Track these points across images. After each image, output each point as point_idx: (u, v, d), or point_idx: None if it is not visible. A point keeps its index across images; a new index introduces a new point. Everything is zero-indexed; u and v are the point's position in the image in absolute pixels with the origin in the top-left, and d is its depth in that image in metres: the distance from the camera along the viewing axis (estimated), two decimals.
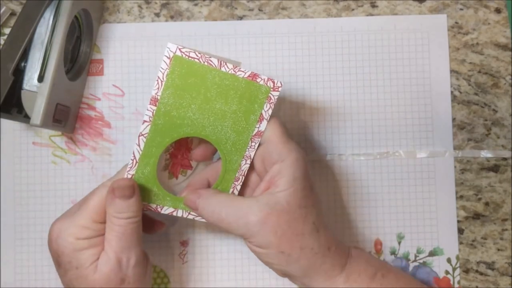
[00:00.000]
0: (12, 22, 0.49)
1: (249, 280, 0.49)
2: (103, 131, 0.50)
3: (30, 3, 0.43)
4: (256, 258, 0.49)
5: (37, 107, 0.41)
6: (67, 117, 0.46)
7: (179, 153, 0.43)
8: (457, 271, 0.49)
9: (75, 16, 0.46)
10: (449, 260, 0.49)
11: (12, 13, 0.50)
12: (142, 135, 0.39)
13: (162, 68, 0.38)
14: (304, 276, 0.40)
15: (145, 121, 0.39)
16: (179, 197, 0.42)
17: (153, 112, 0.38)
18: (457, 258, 0.49)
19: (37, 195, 0.49)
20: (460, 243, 0.49)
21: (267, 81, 0.39)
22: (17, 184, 0.49)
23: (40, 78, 0.42)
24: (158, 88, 0.38)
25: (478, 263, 0.49)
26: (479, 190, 0.50)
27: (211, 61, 0.38)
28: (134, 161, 0.40)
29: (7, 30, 0.49)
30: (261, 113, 0.40)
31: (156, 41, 0.50)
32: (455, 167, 0.50)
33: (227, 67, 0.38)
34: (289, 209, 0.38)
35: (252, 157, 0.41)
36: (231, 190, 0.42)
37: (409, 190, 0.50)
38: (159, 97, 0.38)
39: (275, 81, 0.39)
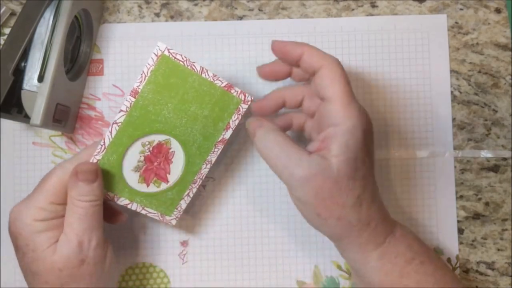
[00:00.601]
0: (12, 22, 0.49)
1: (249, 280, 0.49)
2: (103, 131, 0.49)
3: (30, 3, 0.43)
4: (255, 258, 0.49)
5: (37, 107, 0.41)
6: (67, 117, 0.46)
7: (156, 160, 0.43)
8: (457, 271, 0.49)
9: (75, 16, 0.45)
10: (449, 260, 0.49)
11: (12, 13, 0.49)
12: (116, 123, 0.41)
13: (148, 64, 0.40)
14: (336, 241, 0.40)
15: (121, 110, 0.40)
16: (138, 191, 0.43)
17: (131, 103, 0.40)
18: (457, 258, 0.49)
19: None
20: (460, 243, 0.49)
21: (239, 94, 0.42)
22: (17, 184, 0.49)
23: (40, 78, 0.42)
24: (141, 81, 0.40)
25: (478, 263, 0.49)
26: (479, 190, 0.50)
27: (194, 66, 0.41)
28: (103, 147, 0.41)
29: (7, 30, 0.49)
30: (229, 122, 0.43)
31: (156, 41, 0.49)
32: (455, 167, 0.49)
33: (207, 74, 0.41)
34: (337, 177, 0.36)
35: (212, 162, 0.44)
36: (187, 191, 0.44)
37: (409, 190, 0.49)
38: (139, 90, 0.40)
39: (246, 95, 0.42)
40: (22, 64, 0.43)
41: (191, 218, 0.49)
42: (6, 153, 0.49)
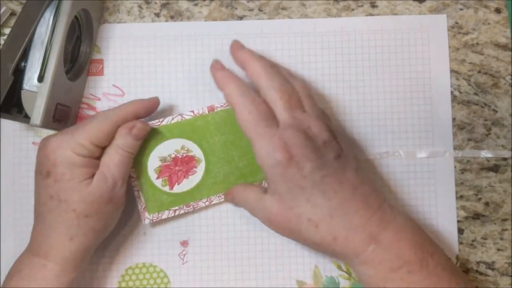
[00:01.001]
0: (12, 22, 0.49)
1: (249, 280, 0.48)
2: None
3: (30, 3, 0.43)
4: (255, 258, 0.49)
5: (37, 107, 0.41)
6: (67, 117, 0.45)
7: (179, 166, 0.47)
8: None
9: (75, 16, 0.45)
10: None
11: (12, 13, 0.49)
12: (182, 115, 0.47)
13: None
14: (328, 255, 0.45)
15: (192, 111, 0.47)
16: (149, 176, 0.46)
17: (201, 113, 0.47)
18: (457, 258, 0.49)
19: None
20: (460, 243, 0.49)
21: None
22: (17, 184, 0.49)
23: (40, 78, 0.42)
24: (222, 106, 0.47)
25: (478, 263, 0.49)
26: (479, 190, 0.49)
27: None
28: (158, 123, 0.46)
29: (7, 30, 0.48)
30: None
31: (156, 41, 0.50)
32: (455, 167, 0.49)
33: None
34: (280, 212, 0.40)
35: (211, 203, 0.48)
36: (177, 207, 0.47)
37: (409, 190, 0.49)
38: (215, 110, 0.47)
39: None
40: (22, 64, 0.43)
41: (191, 218, 0.49)
42: (6, 153, 0.49)
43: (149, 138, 0.45)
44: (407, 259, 0.39)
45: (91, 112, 0.49)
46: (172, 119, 0.46)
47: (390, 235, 0.39)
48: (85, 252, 0.42)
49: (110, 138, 0.42)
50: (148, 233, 0.48)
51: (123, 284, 0.48)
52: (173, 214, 0.47)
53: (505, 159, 0.49)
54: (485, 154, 0.49)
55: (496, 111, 0.50)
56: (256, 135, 0.40)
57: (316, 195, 0.39)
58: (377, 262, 0.39)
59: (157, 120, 0.46)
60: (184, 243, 0.48)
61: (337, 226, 0.39)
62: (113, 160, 0.42)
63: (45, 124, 0.41)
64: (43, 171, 0.41)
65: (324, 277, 0.48)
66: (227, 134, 0.47)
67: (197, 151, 0.47)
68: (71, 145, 0.40)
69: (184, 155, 0.46)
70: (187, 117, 0.46)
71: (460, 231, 0.49)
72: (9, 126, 0.49)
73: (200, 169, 0.47)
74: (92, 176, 0.41)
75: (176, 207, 0.47)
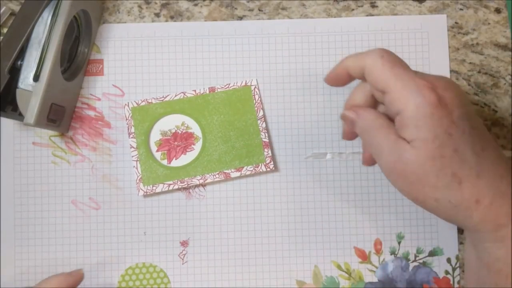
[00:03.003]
0: None
1: (249, 280, 0.44)
2: (103, 131, 0.45)
3: (28, 3, 0.40)
4: (255, 258, 0.45)
5: (31, 107, 0.37)
6: (61, 117, 0.41)
7: (178, 142, 0.45)
8: (457, 271, 0.45)
9: (74, 16, 0.41)
10: (449, 260, 0.45)
11: (12, 13, 0.45)
12: (184, 93, 0.45)
13: (236, 83, 0.45)
14: (452, 223, 0.33)
15: (194, 90, 0.45)
16: (149, 147, 0.45)
17: (202, 92, 0.45)
18: (457, 258, 0.45)
19: (37, 195, 0.45)
20: (460, 243, 0.45)
21: (267, 156, 0.44)
22: (17, 184, 0.45)
23: (36, 78, 0.38)
24: (222, 88, 0.45)
25: None
26: None
27: (260, 109, 0.45)
28: (166, 98, 0.45)
29: (6, 30, 0.44)
30: (243, 167, 0.44)
31: (156, 41, 0.45)
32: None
33: (262, 123, 0.45)
34: (416, 160, 0.31)
35: (205, 181, 0.44)
36: (172, 182, 0.44)
37: None
38: (216, 91, 0.45)
39: (271, 164, 0.44)
40: (19, 62, 0.39)
41: (191, 218, 0.45)
42: (6, 153, 0.45)
43: (152, 112, 0.44)
44: None
45: (91, 112, 0.45)
46: (175, 95, 0.45)
47: None
48: None
49: None
50: (148, 233, 0.44)
51: (123, 284, 0.44)
52: (167, 188, 0.44)
53: None
54: None
55: (496, 111, 0.45)
56: (395, 76, 0.32)
57: (465, 146, 0.31)
58: None
59: (161, 96, 0.44)
60: (184, 243, 0.44)
61: (483, 188, 0.31)
62: None
63: (38, 124, 0.37)
64: None
65: (324, 277, 0.45)
66: (225, 114, 0.44)
67: (196, 129, 0.45)
68: None
69: (184, 131, 0.45)
70: (188, 95, 0.45)
71: (460, 231, 0.45)
72: (9, 126, 0.45)
73: (198, 147, 0.45)
74: None
75: (171, 182, 0.44)
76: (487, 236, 0.31)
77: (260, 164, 0.44)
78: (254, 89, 0.45)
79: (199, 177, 0.44)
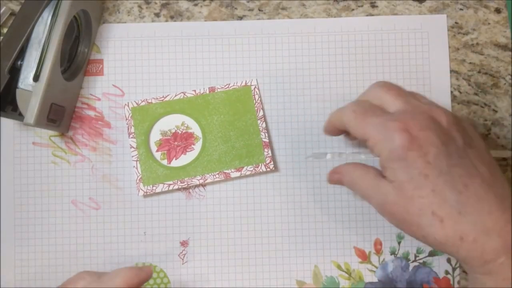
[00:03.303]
0: None
1: (249, 280, 0.44)
2: (103, 131, 0.45)
3: (28, 2, 0.39)
4: (255, 258, 0.45)
5: (31, 107, 0.37)
6: (61, 117, 0.41)
7: (178, 142, 0.45)
8: (457, 271, 0.44)
9: (74, 16, 0.41)
10: (449, 260, 0.44)
11: (12, 13, 0.45)
12: (184, 93, 0.45)
13: (236, 83, 0.45)
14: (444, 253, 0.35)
15: (194, 90, 0.45)
16: (149, 147, 0.44)
17: (202, 92, 0.45)
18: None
19: (37, 195, 0.44)
20: None
21: (267, 157, 0.44)
22: (17, 184, 0.44)
23: (36, 78, 0.37)
24: (222, 88, 0.45)
25: None
26: None
27: (260, 109, 0.44)
28: (166, 98, 0.45)
29: (6, 30, 0.44)
30: (243, 167, 0.44)
31: (156, 41, 0.45)
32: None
33: (262, 123, 0.44)
34: (398, 202, 0.32)
35: (205, 181, 0.44)
36: (172, 182, 0.44)
37: None
38: (216, 91, 0.45)
39: (271, 164, 0.44)
40: (19, 62, 0.39)
41: (191, 218, 0.44)
42: (6, 153, 0.45)
43: (152, 111, 0.44)
44: None
45: (91, 112, 0.45)
46: (175, 95, 0.44)
47: None
48: None
49: None
50: (148, 233, 0.44)
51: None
52: (167, 188, 0.44)
53: (505, 159, 0.45)
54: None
55: (496, 111, 0.45)
56: (368, 125, 0.33)
57: (443, 186, 0.31)
58: (502, 277, 0.31)
59: (161, 96, 0.44)
60: (184, 243, 0.44)
61: (466, 225, 0.31)
62: None
63: (38, 124, 0.37)
64: None
65: (324, 277, 0.44)
66: (225, 114, 0.44)
67: (196, 129, 0.44)
68: None
69: (184, 131, 0.44)
70: (189, 95, 0.44)
71: None
72: (9, 126, 0.45)
73: (198, 147, 0.44)
74: None
75: (171, 182, 0.44)
76: (477, 270, 0.32)
77: (260, 164, 0.44)
78: (254, 89, 0.44)
79: (199, 177, 0.44)
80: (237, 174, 0.44)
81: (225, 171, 0.44)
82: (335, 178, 0.39)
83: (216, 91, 0.44)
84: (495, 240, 0.31)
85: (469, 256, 0.31)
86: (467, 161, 0.32)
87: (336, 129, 0.38)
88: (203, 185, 0.45)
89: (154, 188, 0.44)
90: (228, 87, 0.44)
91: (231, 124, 0.44)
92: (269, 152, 0.44)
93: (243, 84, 0.45)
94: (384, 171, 0.33)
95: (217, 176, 0.44)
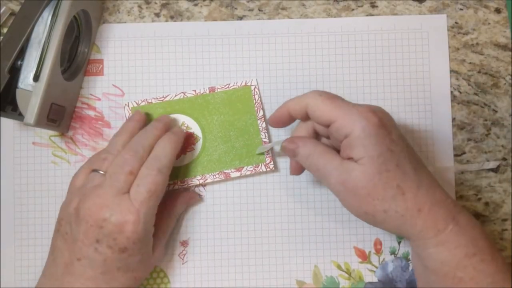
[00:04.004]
0: None
1: (249, 280, 0.44)
2: (103, 131, 0.45)
3: (28, 2, 0.39)
4: (255, 258, 0.44)
5: (31, 107, 0.37)
6: (61, 116, 0.41)
7: None
8: None
9: (74, 16, 0.41)
10: None
11: (12, 13, 0.45)
12: (184, 93, 0.44)
13: (236, 83, 0.44)
14: (399, 234, 0.36)
15: (194, 90, 0.44)
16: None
17: (202, 92, 0.44)
18: None
19: (37, 195, 0.44)
20: None
21: (267, 156, 0.44)
22: (17, 184, 0.44)
23: (36, 78, 0.37)
24: (222, 88, 0.44)
25: None
26: (479, 190, 0.45)
27: (260, 109, 0.44)
28: (164, 99, 0.45)
29: (6, 30, 0.44)
30: (243, 167, 0.44)
31: (156, 41, 0.45)
32: (488, 160, 0.45)
33: (262, 123, 0.44)
34: (366, 175, 0.34)
35: (206, 181, 0.44)
36: (171, 182, 0.44)
37: None
38: (216, 91, 0.44)
39: (271, 163, 0.44)
40: (19, 62, 0.39)
41: (191, 218, 0.44)
42: (6, 153, 0.44)
43: (152, 111, 0.44)
44: (481, 246, 0.35)
45: (91, 112, 0.45)
46: (175, 95, 0.44)
47: (465, 219, 0.35)
48: None
49: None
50: None
51: None
52: (167, 189, 0.43)
53: (505, 159, 0.45)
54: (486, 166, 0.45)
55: (496, 111, 0.45)
56: (336, 107, 0.35)
57: (404, 161, 0.35)
58: (453, 245, 0.34)
59: (161, 96, 0.44)
60: (184, 243, 0.44)
61: (422, 198, 0.35)
62: (169, 230, 0.42)
63: (38, 124, 0.37)
64: (115, 247, 0.35)
65: (324, 277, 0.44)
66: (225, 114, 0.44)
67: (196, 129, 0.44)
68: (152, 220, 0.37)
69: (184, 131, 0.43)
70: (189, 95, 0.44)
71: None
72: (9, 126, 0.44)
73: (198, 147, 0.44)
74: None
75: (171, 182, 0.43)
76: (429, 242, 0.35)
77: (260, 164, 0.44)
78: (254, 89, 0.44)
79: (199, 177, 0.44)
80: (237, 174, 0.44)
81: (225, 171, 0.44)
82: (291, 147, 0.38)
83: (216, 91, 0.44)
84: (443, 210, 0.35)
85: (425, 227, 0.34)
86: (410, 145, 0.37)
87: (288, 117, 0.39)
88: (203, 185, 0.45)
89: None
90: (228, 87, 0.44)
91: (231, 124, 0.44)
92: (269, 152, 0.44)
93: (243, 84, 0.44)
94: (351, 149, 0.35)
95: (217, 176, 0.44)
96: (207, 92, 0.44)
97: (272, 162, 0.44)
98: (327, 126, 0.36)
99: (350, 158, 0.35)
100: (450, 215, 0.35)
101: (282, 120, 0.39)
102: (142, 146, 0.38)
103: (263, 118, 0.44)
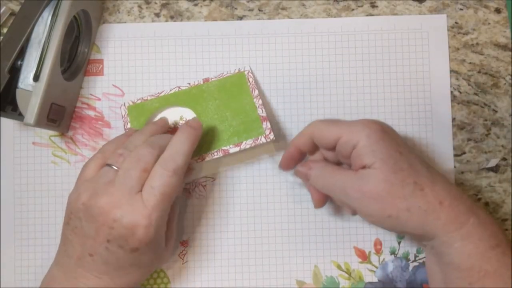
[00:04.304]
0: None
1: (249, 280, 0.44)
2: (103, 131, 0.45)
3: (28, 2, 0.39)
4: (255, 258, 0.44)
5: (31, 107, 0.37)
6: (61, 116, 0.41)
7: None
8: None
9: (74, 16, 0.41)
10: None
11: (12, 13, 0.45)
12: (179, 87, 0.44)
13: (230, 71, 0.44)
14: (424, 234, 0.36)
15: (189, 83, 0.44)
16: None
17: (197, 83, 0.44)
18: None
19: (37, 195, 0.44)
20: None
21: (266, 129, 0.42)
22: (17, 184, 0.44)
23: (36, 78, 0.37)
24: (216, 77, 0.44)
25: None
26: (479, 190, 0.45)
27: (255, 89, 0.43)
28: (159, 95, 0.44)
29: (6, 30, 0.44)
30: (242, 142, 0.42)
31: (156, 41, 0.45)
32: (454, 167, 0.45)
33: (258, 100, 0.43)
34: (383, 177, 0.35)
35: (204, 160, 0.42)
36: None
37: None
38: (210, 80, 0.44)
39: (271, 134, 0.42)
40: (19, 62, 0.39)
41: (191, 218, 0.44)
42: (6, 153, 0.44)
43: (148, 107, 0.43)
44: (501, 239, 0.36)
45: (91, 112, 0.45)
46: (170, 90, 0.44)
47: (484, 213, 0.36)
48: None
49: None
50: None
51: None
52: None
53: (505, 159, 0.45)
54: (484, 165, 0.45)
55: (496, 111, 0.45)
56: (339, 126, 0.38)
57: (415, 161, 0.36)
58: (477, 237, 0.35)
59: (156, 93, 0.44)
60: (184, 243, 0.44)
61: (441, 192, 0.35)
62: (175, 210, 0.41)
63: (38, 124, 0.37)
64: (126, 247, 0.35)
65: (324, 277, 0.44)
66: (220, 99, 0.43)
67: (192, 116, 0.43)
68: (164, 222, 0.37)
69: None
70: (183, 88, 0.44)
71: None
72: (9, 126, 0.44)
73: None
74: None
75: None
76: (455, 236, 0.35)
77: (259, 137, 0.42)
78: (248, 73, 0.44)
79: (196, 158, 0.42)
80: (236, 149, 0.42)
81: (223, 148, 0.42)
82: (303, 170, 0.40)
83: (210, 81, 0.44)
84: (462, 204, 0.35)
85: (448, 220, 0.35)
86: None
87: (298, 153, 0.40)
88: (203, 185, 0.45)
89: None
90: (221, 75, 0.44)
91: (226, 106, 0.43)
92: (268, 124, 0.42)
93: (237, 71, 0.44)
94: (361, 158, 0.36)
95: (215, 154, 0.42)
96: (201, 83, 0.44)
97: (271, 133, 0.42)
98: (335, 147, 0.38)
99: (362, 168, 0.36)
100: (470, 209, 0.35)
101: (293, 157, 0.41)
102: (159, 145, 0.37)
103: (258, 97, 0.43)
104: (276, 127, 0.45)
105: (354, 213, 0.39)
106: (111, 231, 0.35)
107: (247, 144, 0.42)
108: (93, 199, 0.35)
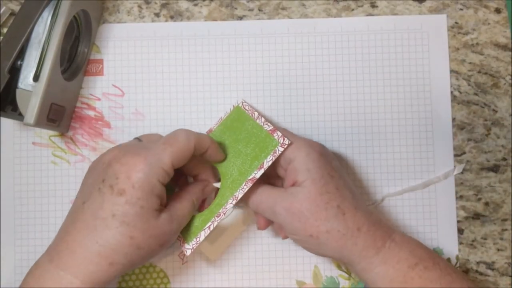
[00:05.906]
0: None
1: (249, 280, 0.44)
2: (103, 131, 0.45)
3: (28, 3, 0.39)
4: (255, 258, 0.45)
5: (31, 107, 0.37)
6: (61, 116, 0.41)
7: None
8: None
9: (74, 16, 0.41)
10: (449, 260, 0.45)
11: (12, 13, 0.45)
12: None
13: (227, 112, 0.44)
14: (341, 258, 0.38)
15: None
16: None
17: None
18: (457, 258, 0.44)
19: (37, 195, 0.44)
20: (460, 243, 0.45)
21: (279, 137, 0.40)
22: (17, 184, 0.44)
23: (36, 78, 0.37)
24: (216, 124, 0.44)
25: (478, 263, 0.45)
26: (479, 190, 0.45)
27: (254, 113, 0.42)
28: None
29: (6, 30, 0.44)
30: (263, 162, 0.40)
31: (156, 41, 0.45)
32: (454, 167, 0.45)
33: (261, 120, 0.41)
34: (309, 197, 0.37)
35: (238, 199, 0.40)
36: (209, 223, 0.40)
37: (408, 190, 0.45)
38: (213, 130, 0.44)
39: (285, 139, 0.40)
40: (19, 62, 0.39)
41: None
42: (6, 153, 0.45)
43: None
44: (421, 256, 0.37)
45: (91, 112, 0.45)
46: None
47: (400, 235, 0.38)
48: (115, 279, 0.38)
49: (186, 162, 0.38)
50: None
51: (123, 284, 0.44)
52: (208, 231, 0.40)
53: (505, 159, 0.45)
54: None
55: (496, 111, 0.45)
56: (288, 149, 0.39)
57: (343, 186, 0.38)
58: (395, 260, 0.37)
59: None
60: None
61: (361, 218, 0.37)
62: (184, 209, 0.38)
63: (38, 124, 0.37)
64: (115, 187, 0.34)
65: (324, 277, 0.44)
66: (228, 139, 0.42)
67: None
68: (158, 173, 0.35)
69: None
70: None
71: (460, 231, 0.45)
72: (9, 126, 0.44)
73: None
74: (160, 208, 0.36)
75: (209, 223, 0.40)
76: (374, 262, 0.37)
77: (276, 149, 0.40)
78: (242, 104, 0.43)
79: (230, 200, 0.40)
80: (261, 171, 0.40)
81: (249, 178, 0.40)
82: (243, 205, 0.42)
83: (213, 130, 0.44)
84: (380, 230, 0.38)
85: (366, 245, 0.37)
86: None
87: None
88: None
89: (197, 239, 0.40)
90: (221, 119, 0.44)
91: (236, 141, 0.42)
92: (278, 133, 0.40)
93: (232, 108, 0.44)
94: (296, 173, 0.38)
95: (245, 187, 0.40)
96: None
97: (286, 139, 0.40)
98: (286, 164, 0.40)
99: (293, 184, 0.38)
100: (386, 234, 0.38)
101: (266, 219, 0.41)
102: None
103: (260, 116, 0.42)
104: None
105: (284, 236, 0.40)
106: (107, 169, 0.35)
107: (268, 161, 0.40)
108: (115, 161, 0.36)
